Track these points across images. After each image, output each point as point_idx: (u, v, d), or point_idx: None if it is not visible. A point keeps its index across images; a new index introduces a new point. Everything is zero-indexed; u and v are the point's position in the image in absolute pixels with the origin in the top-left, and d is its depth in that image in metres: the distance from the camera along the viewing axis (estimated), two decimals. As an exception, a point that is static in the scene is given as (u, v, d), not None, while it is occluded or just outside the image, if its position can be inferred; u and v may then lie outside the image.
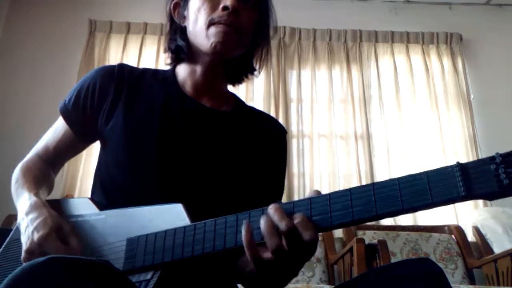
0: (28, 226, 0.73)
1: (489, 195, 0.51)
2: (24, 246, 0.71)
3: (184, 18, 0.91)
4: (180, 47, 0.90)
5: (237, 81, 0.98)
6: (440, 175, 0.54)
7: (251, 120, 0.96)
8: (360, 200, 0.57)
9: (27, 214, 0.75)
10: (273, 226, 0.57)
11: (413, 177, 0.55)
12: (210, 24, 0.83)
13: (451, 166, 0.53)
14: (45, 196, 0.83)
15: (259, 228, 0.58)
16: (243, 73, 0.97)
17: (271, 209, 0.58)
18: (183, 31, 0.91)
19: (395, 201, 0.55)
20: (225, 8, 0.82)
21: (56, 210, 0.78)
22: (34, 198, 0.78)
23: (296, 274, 0.63)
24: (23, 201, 0.79)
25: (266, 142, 0.94)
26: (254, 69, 0.97)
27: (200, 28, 0.85)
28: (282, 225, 0.56)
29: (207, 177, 0.83)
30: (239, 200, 0.83)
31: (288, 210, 0.60)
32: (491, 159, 0.51)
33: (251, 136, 0.93)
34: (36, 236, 0.70)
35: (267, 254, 0.58)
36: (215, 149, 0.86)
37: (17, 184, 0.85)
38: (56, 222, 0.73)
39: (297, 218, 0.56)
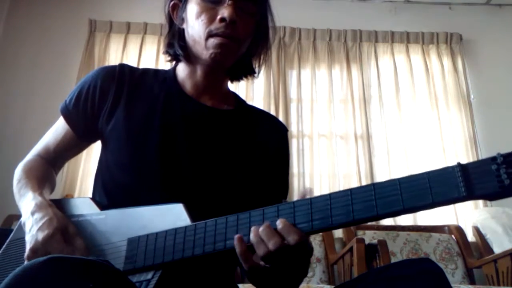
0: (33, 225, 0.73)
1: (490, 196, 0.51)
2: (29, 245, 0.71)
3: (182, 20, 0.90)
4: (178, 52, 0.90)
5: (237, 79, 0.98)
6: (441, 176, 0.54)
7: (252, 119, 0.97)
8: (361, 200, 0.57)
9: (32, 213, 0.75)
10: (260, 237, 0.61)
11: (414, 177, 0.55)
12: (209, 36, 0.83)
13: (452, 167, 0.53)
14: (48, 196, 0.83)
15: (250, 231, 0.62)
16: (243, 74, 0.97)
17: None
18: (181, 34, 0.90)
19: (396, 201, 0.55)
20: (222, 19, 0.82)
21: (58, 210, 0.78)
22: (39, 198, 0.78)
23: (301, 275, 0.65)
24: (28, 201, 0.79)
25: (268, 141, 0.94)
26: (254, 71, 0.97)
27: (199, 37, 0.84)
28: (264, 233, 0.60)
29: (209, 176, 0.83)
30: (241, 200, 0.84)
31: (289, 211, 0.61)
32: (493, 159, 0.51)
33: (253, 135, 0.93)
34: (40, 235, 0.70)
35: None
36: (217, 148, 0.86)
37: (19, 184, 0.85)
38: (61, 223, 0.73)
39: (280, 224, 0.60)
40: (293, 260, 0.61)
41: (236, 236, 0.62)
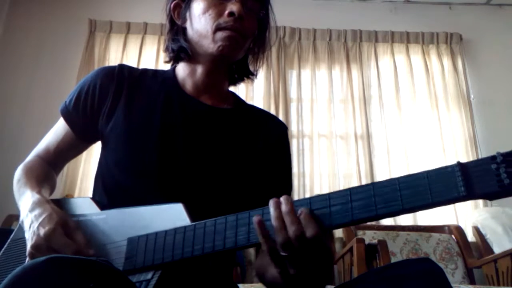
0: (33, 222, 0.73)
1: (490, 195, 0.51)
2: (30, 242, 0.71)
3: (185, 19, 0.91)
4: (183, 47, 0.91)
5: (237, 82, 0.99)
6: (441, 175, 0.53)
7: (252, 117, 0.97)
8: (360, 200, 0.57)
9: (30, 211, 0.75)
10: (282, 220, 0.58)
11: (413, 176, 0.55)
12: (217, 29, 0.85)
13: (452, 166, 0.53)
14: (47, 195, 0.83)
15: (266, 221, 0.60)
16: (242, 75, 0.98)
17: (284, 202, 0.60)
18: (184, 32, 0.92)
19: (395, 201, 0.55)
20: (231, 14, 0.84)
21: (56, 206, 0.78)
22: (37, 196, 0.78)
23: (320, 282, 0.62)
24: (26, 199, 0.79)
25: (268, 139, 0.94)
26: (253, 73, 0.98)
27: (206, 31, 0.86)
28: (288, 219, 0.58)
29: (209, 176, 0.83)
30: (242, 199, 0.84)
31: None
32: (492, 158, 0.51)
33: (253, 134, 0.93)
34: (42, 231, 0.70)
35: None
36: (217, 147, 0.87)
37: (19, 184, 0.85)
38: (61, 218, 0.73)
39: (301, 214, 0.58)
40: (309, 254, 0.58)
41: (256, 220, 0.59)
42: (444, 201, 0.52)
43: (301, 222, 0.57)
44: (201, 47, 0.88)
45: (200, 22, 0.87)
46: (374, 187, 0.57)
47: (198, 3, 0.88)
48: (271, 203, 0.60)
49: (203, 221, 0.66)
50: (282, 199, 0.61)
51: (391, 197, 0.55)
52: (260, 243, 0.60)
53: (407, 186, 0.54)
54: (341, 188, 3.18)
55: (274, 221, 0.59)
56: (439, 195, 0.52)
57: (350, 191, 0.58)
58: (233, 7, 0.84)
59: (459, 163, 0.53)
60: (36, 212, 0.74)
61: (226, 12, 0.85)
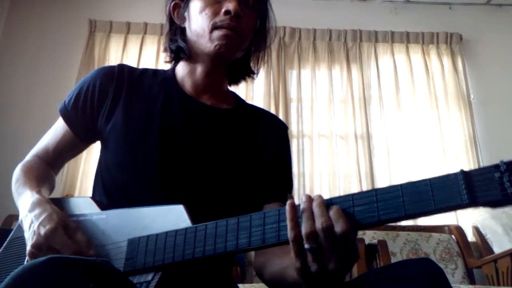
0: (33, 222, 0.72)
1: (493, 203, 0.51)
2: (30, 242, 0.70)
3: (184, 19, 0.91)
4: (180, 47, 0.91)
5: (236, 82, 0.99)
6: (444, 182, 0.53)
7: (252, 117, 0.97)
8: (362, 205, 0.57)
9: (30, 211, 0.74)
10: (312, 211, 0.57)
11: (416, 183, 0.55)
12: (214, 28, 0.84)
13: (455, 174, 0.53)
14: (47, 195, 0.83)
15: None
16: (242, 74, 0.98)
17: (316, 197, 0.59)
18: (183, 32, 0.91)
19: (397, 207, 0.55)
20: (227, 12, 0.84)
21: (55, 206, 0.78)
22: (36, 196, 0.78)
23: (339, 280, 0.60)
24: (25, 199, 0.79)
25: (268, 139, 0.94)
26: (253, 72, 0.98)
27: (203, 31, 0.85)
28: (317, 210, 0.57)
29: (210, 176, 0.83)
30: (242, 200, 0.84)
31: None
32: (495, 167, 0.51)
33: (253, 133, 0.93)
34: (43, 230, 0.70)
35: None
36: (217, 147, 0.86)
37: (18, 183, 0.85)
38: (61, 218, 0.73)
39: (332, 209, 0.57)
40: (336, 251, 0.56)
41: (290, 202, 0.58)
42: (446, 209, 0.52)
43: (330, 216, 0.56)
44: (199, 46, 0.88)
45: (197, 22, 0.86)
46: (377, 193, 0.57)
47: (196, 3, 0.88)
48: (303, 197, 0.60)
49: (204, 223, 0.66)
50: (313, 195, 0.60)
51: (393, 203, 0.55)
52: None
53: (409, 193, 0.55)
54: (341, 188, 3.15)
55: (303, 212, 0.58)
56: (441, 202, 0.52)
57: (352, 196, 0.58)
58: (229, 5, 0.84)
59: (462, 171, 0.53)
60: (36, 212, 0.73)
61: (223, 10, 0.84)
